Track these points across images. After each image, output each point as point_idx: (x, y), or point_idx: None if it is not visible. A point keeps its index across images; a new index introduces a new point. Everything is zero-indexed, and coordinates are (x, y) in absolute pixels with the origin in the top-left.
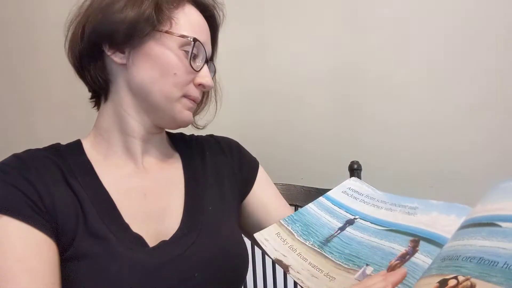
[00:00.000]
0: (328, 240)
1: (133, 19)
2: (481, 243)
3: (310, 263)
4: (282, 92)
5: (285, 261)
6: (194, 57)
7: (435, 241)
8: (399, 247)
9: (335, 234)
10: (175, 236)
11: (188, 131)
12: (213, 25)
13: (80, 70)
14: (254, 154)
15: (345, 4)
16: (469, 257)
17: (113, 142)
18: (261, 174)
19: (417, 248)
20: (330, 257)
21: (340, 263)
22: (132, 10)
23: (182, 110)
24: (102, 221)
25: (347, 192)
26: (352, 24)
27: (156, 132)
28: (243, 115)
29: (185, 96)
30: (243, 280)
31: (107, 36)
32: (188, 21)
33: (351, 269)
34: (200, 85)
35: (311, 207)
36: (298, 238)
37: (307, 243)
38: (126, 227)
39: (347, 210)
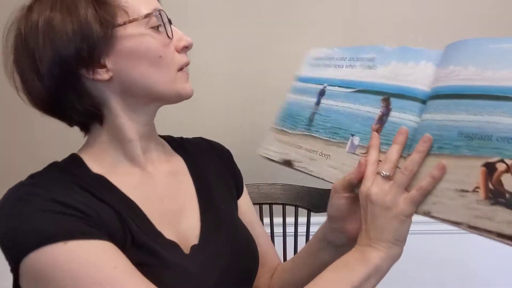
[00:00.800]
0: (310, 119)
1: (85, 29)
2: (508, 120)
3: (306, 149)
4: (282, 92)
5: (288, 157)
6: (158, 27)
7: (403, 95)
8: (373, 109)
9: (315, 111)
10: (201, 238)
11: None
12: None
13: (58, 111)
14: (253, 155)
15: (345, 5)
16: (504, 137)
17: (116, 152)
18: (245, 190)
19: (390, 107)
20: (318, 135)
21: (327, 138)
22: (75, 21)
23: (183, 85)
24: (143, 232)
25: (310, 63)
26: (352, 26)
27: (151, 124)
28: (243, 116)
29: (179, 69)
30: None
31: (75, 61)
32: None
33: (340, 142)
34: (183, 48)
35: (289, 96)
36: (290, 132)
37: (297, 132)
38: (161, 235)
39: (315, 81)
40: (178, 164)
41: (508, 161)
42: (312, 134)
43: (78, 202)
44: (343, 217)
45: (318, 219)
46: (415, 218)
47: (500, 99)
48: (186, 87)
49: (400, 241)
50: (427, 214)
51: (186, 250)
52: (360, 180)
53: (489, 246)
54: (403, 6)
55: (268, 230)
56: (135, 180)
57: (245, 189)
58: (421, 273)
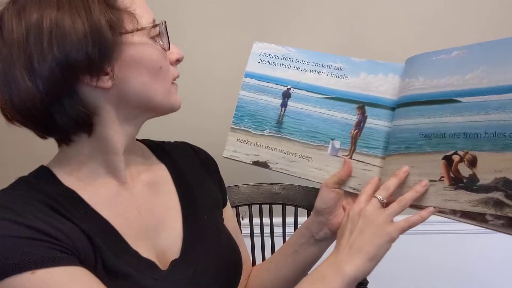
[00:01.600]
0: (279, 121)
1: (97, 33)
2: (455, 119)
3: (280, 151)
4: None
5: (260, 159)
6: (157, 37)
7: (377, 104)
8: (350, 116)
9: (282, 113)
10: (183, 252)
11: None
12: None
13: (40, 117)
14: None
15: (344, 4)
16: (454, 134)
17: (96, 165)
18: (227, 197)
19: (366, 114)
20: (292, 138)
21: (305, 141)
22: (88, 23)
23: (176, 97)
24: (115, 255)
25: (262, 60)
26: (353, 25)
27: (134, 138)
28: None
29: (172, 81)
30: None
31: (82, 66)
32: (138, 5)
33: (320, 145)
34: (176, 61)
35: (243, 94)
36: (255, 132)
37: (265, 133)
38: (136, 254)
39: (275, 81)
40: (160, 172)
41: (460, 153)
42: (285, 136)
43: (47, 225)
44: (329, 211)
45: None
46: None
47: (445, 102)
48: (178, 99)
49: (376, 259)
50: None
51: (165, 265)
52: (347, 176)
53: (487, 247)
54: (403, 6)
55: (268, 230)
56: (111, 193)
57: (227, 197)
58: (418, 275)
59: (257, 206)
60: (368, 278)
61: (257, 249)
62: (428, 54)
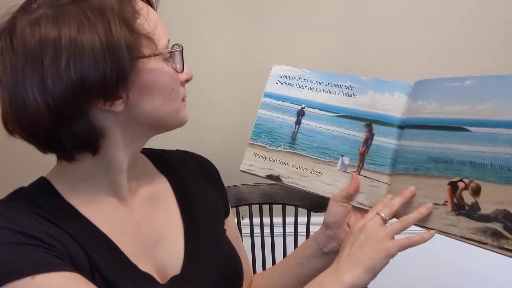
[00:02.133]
0: (293, 138)
1: (115, 56)
2: (464, 147)
3: (293, 165)
4: None
5: (274, 173)
6: (170, 59)
7: (383, 121)
8: (358, 133)
9: (296, 130)
10: (184, 268)
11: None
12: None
13: (44, 135)
14: None
15: (345, 3)
16: (461, 161)
17: (98, 181)
18: (229, 207)
19: (373, 132)
20: (304, 154)
21: (316, 157)
22: (106, 42)
23: (184, 112)
24: (113, 268)
25: (280, 81)
26: (352, 25)
27: (138, 152)
28: (242, 116)
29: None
30: None
31: (97, 90)
32: (157, 29)
33: (330, 161)
34: (185, 81)
35: (261, 112)
36: (271, 148)
37: (279, 149)
38: (135, 268)
39: (291, 101)
40: (161, 185)
41: (466, 180)
42: (298, 152)
43: (44, 233)
44: (337, 224)
45: (318, 219)
46: None
47: (455, 130)
48: (185, 115)
49: (374, 271)
50: None
51: (165, 280)
52: (355, 191)
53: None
54: (402, 5)
55: (268, 230)
56: (110, 208)
57: (229, 207)
58: (418, 275)
59: (257, 206)
60: None
61: (257, 249)
62: (442, 80)
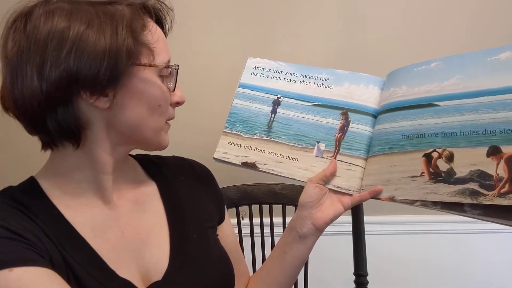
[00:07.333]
0: (269, 126)
1: (114, 57)
2: (434, 121)
3: (269, 152)
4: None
5: (249, 160)
6: (165, 77)
7: (359, 110)
8: (334, 121)
9: (272, 119)
10: (167, 274)
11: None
12: (163, 31)
13: (34, 116)
14: None
15: (345, 3)
16: (433, 133)
17: (82, 180)
18: (226, 213)
19: (349, 120)
20: (280, 141)
21: (292, 144)
22: (110, 43)
23: (165, 136)
24: (88, 273)
25: (255, 73)
26: (352, 24)
27: (125, 159)
28: None
29: (166, 121)
30: None
31: (88, 83)
32: (159, 43)
33: (306, 147)
34: (176, 104)
35: (236, 102)
36: (246, 136)
37: (255, 137)
38: (112, 274)
39: (267, 91)
40: (148, 190)
41: (439, 150)
42: (274, 140)
43: (27, 231)
44: (312, 204)
45: None
46: (410, 218)
47: (425, 106)
48: (166, 139)
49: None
50: (391, 199)
51: (146, 286)
52: (332, 174)
53: (488, 248)
54: (401, 5)
55: (268, 230)
56: (94, 211)
57: (226, 212)
58: (418, 275)
59: (257, 206)
60: (368, 278)
61: (257, 249)
62: (410, 66)
